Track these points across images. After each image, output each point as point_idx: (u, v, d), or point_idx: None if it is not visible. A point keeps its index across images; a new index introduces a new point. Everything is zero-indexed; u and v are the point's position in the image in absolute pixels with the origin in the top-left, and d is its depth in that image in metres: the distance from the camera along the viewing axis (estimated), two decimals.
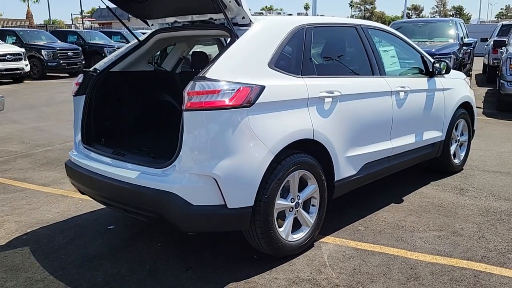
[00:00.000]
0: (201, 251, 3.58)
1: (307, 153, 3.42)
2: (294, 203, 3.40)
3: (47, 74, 18.41)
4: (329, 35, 3.98)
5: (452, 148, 5.34)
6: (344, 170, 3.76)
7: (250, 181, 3.04)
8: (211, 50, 5.97)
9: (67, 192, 5.00)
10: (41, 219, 4.29)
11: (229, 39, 3.32)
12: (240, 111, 2.98)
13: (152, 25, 4.07)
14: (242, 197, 3.04)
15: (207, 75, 2.97)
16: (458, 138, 5.46)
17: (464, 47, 10.84)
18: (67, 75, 19.28)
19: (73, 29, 37.71)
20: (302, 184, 3.48)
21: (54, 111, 10.51)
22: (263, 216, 3.14)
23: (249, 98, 3.00)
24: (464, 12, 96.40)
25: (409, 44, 4.82)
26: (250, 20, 3.37)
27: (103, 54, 20.04)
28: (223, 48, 3.24)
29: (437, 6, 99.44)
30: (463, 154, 5.60)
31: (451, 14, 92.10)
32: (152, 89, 4.42)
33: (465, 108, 5.42)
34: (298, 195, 3.44)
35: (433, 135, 4.88)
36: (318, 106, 3.48)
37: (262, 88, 3.09)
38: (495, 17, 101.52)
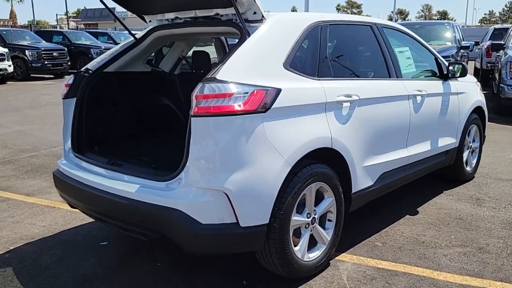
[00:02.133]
0: (207, 270, 3.22)
1: (324, 163, 3.09)
2: (310, 219, 3.07)
3: (31, 75, 17.84)
4: (344, 34, 3.66)
5: (465, 155, 5.06)
6: (361, 181, 3.44)
7: (265, 196, 2.70)
8: (207, 50, 5.63)
9: (54, 203, 4.60)
10: (26, 234, 3.90)
11: (239, 37, 2.97)
12: (254, 117, 2.64)
13: (150, 21, 3.71)
14: (256, 214, 2.69)
15: (218, 77, 2.62)
16: (470, 144, 5.19)
17: (461, 50, 10.63)
18: (52, 76, 18.73)
19: (58, 29, 36.96)
20: (318, 198, 3.15)
21: (39, 113, 10.05)
22: (278, 235, 2.80)
23: (264, 103, 2.67)
24: (449, 17, 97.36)
25: (423, 45, 4.53)
26: (262, 16, 3.03)
27: (89, 55, 19.57)
28: (233, 46, 2.89)
29: (422, 11, 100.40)
30: (474, 161, 5.33)
31: (436, 18, 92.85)
32: (149, 92, 4.05)
33: (477, 113, 5.16)
34: (314, 210, 3.11)
35: (447, 141, 4.60)
36: (336, 111, 3.16)
37: (278, 91, 2.75)
38: (479, 22, 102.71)
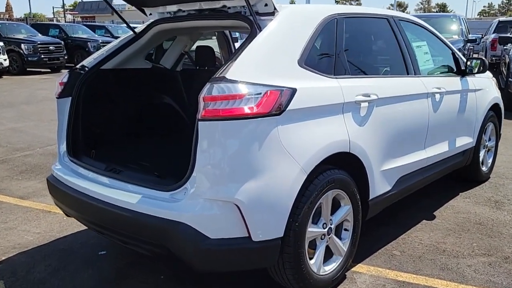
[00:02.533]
0: (212, 283, 2.99)
1: (340, 169, 2.84)
2: (326, 229, 2.83)
3: (27, 69, 17.49)
4: (361, 28, 3.40)
5: (481, 155, 4.82)
6: (379, 186, 3.20)
7: (280, 207, 2.45)
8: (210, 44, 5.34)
9: (49, 207, 4.35)
10: (19, 242, 3.65)
11: (249, 32, 2.71)
12: (267, 121, 2.39)
13: (150, 14, 3.44)
14: (270, 226, 2.45)
15: (227, 76, 2.37)
16: (487, 143, 4.95)
17: (468, 44, 10.37)
18: (48, 70, 18.38)
19: (55, 22, 36.49)
20: (334, 206, 2.91)
21: (35, 109, 9.77)
22: (293, 249, 2.56)
23: (278, 104, 2.41)
24: (448, 9, 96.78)
25: (440, 39, 4.27)
26: (275, 8, 2.76)
27: (86, 49, 19.22)
28: (243, 42, 2.63)
29: (421, 3, 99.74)
30: (490, 161, 5.10)
31: (435, 11, 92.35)
32: (150, 90, 3.79)
33: (493, 110, 4.91)
34: (330, 219, 2.87)
35: (464, 141, 4.36)
36: (354, 112, 2.91)
37: (294, 91, 2.50)
38: (478, 15, 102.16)
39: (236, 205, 2.34)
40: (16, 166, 5.72)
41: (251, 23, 2.69)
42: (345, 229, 3.02)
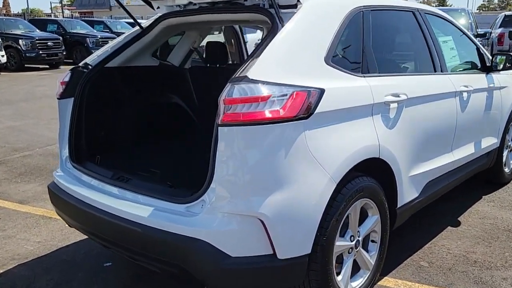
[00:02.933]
0: None
1: (369, 176, 2.60)
2: (354, 242, 2.59)
3: (26, 65, 17.19)
4: (387, 21, 3.14)
5: (504, 156, 4.58)
6: (407, 193, 2.97)
7: (307, 221, 2.22)
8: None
9: (50, 212, 4.11)
10: (18, 252, 3.41)
11: (269, 27, 2.46)
12: (294, 125, 2.14)
13: (158, 8, 3.18)
14: (297, 242, 2.21)
15: (250, 75, 2.12)
16: (510, 143, 4.71)
17: (477, 38, 10.11)
18: (47, 66, 18.07)
19: (53, 17, 36.13)
20: (361, 216, 2.67)
21: (34, 107, 9.50)
22: (320, 265, 2.33)
23: (306, 107, 2.17)
24: (447, 3, 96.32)
25: (465, 33, 4.02)
26: (298, 0, 2.51)
27: (85, 45, 18.93)
28: (264, 38, 2.38)
29: None
30: None
31: (435, 5, 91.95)
32: (157, 89, 3.54)
33: None
34: (358, 231, 2.63)
35: (489, 142, 4.12)
36: (383, 114, 2.67)
37: (322, 92, 2.25)
38: (477, 9, 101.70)
39: (260, 220, 2.10)
40: (15, 168, 5.47)
41: (272, 16, 2.44)
42: (372, 241, 2.79)
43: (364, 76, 2.62)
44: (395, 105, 2.74)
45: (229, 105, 2.08)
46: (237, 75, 2.14)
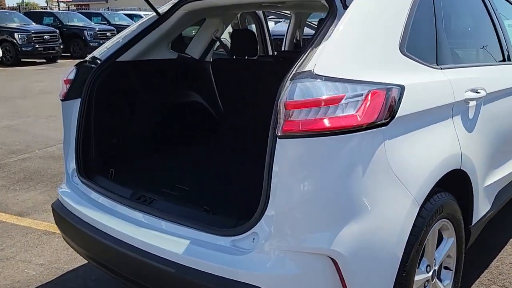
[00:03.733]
0: None
1: (446, 191, 2.12)
2: (430, 273, 2.11)
3: (22, 60, 16.60)
4: (456, 3, 2.64)
5: None
6: (482, 206, 2.49)
7: (390, 255, 1.74)
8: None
9: (53, 227, 3.60)
10: (18, 279, 2.93)
11: (327, 10, 1.96)
12: (373, 135, 1.65)
13: None
14: (376, 284, 1.73)
15: (316, 70, 1.62)
16: None
17: None
18: (44, 61, 17.47)
19: (48, 10, 35.29)
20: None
21: (32, 104, 8.97)
22: None
23: (386, 109, 1.68)
24: None
25: None
26: None
27: (83, 37, 18.38)
28: (322, 24, 1.88)
29: None
30: None
31: None
32: (177, 86, 3.04)
33: None
34: (434, 258, 2.14)
35: None
36: (463, 114, 2.19)
37: (402, 89, 1.76)
38: None
39: (332, 259, 1.62)
40: (13, 173, 4.97)
41: None
42: (446, 267, 2.31)
43: (441, 68, 2.12)
44: (474, 103, 2.26)
45: (290, 110, 1.58)
46: (298, 70, 1.64)
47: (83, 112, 2.45)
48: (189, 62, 3.20)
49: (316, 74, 1.61)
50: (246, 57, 3.08)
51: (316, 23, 3.83)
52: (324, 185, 1.60)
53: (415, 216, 1.80)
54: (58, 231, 3.44)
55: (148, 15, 2.82)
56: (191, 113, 3.10)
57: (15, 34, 15.99)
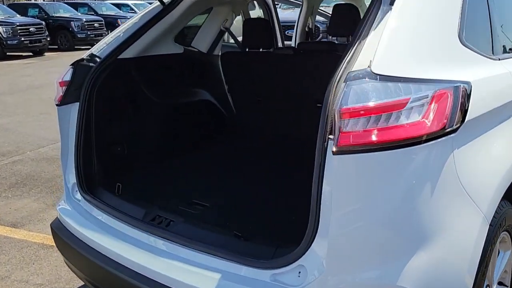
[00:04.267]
0: None
1: (506, 199, 1.85)
2: None
3: (7, 54, 16.08)
4: None
5: None
6: None
7: (461, 285, 1.46)
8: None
9: (50, 239, 3.25)
10: None
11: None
12: (442, 144, 1.37)
13: None
14: None
15: (374, 69, 1.33)
16: None
17: None
18: (30, 54, 16.96)
19: (33, 1, 34.44)
20: None
21: (20, 100, 8.56)
22: None
23: (457, 112, 1.39)
24: None
25: None
26: None
27: (70, 29, 17.88)
28: (369, 11, 1.57)
29: None
30: None
31: None
32: (185, 84, 2.73)
33: None
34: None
35: None
36: None
37: (469, 87, 1.47)
38: None
39: None
40: (4, 178, 4.64)
41: None
42: (500, 283, 2.05)
43: (499, 59, 1.84)
44: None
45: (346, 120, 1.29)
46: (351, 69, 1.35)
47: (82, 117, 2.15)
48: (197, 56, 2.88)
49: (374, 73, 1.32)
50: (260, 49, 2.77)
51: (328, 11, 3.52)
52: (391, 208, 1.32)
53: (485, 236, 1.53)
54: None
55: (136, 4, 2.50)
56: (201, 113, 2.80)
57: (0, 27, 15.49)
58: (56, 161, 5.05)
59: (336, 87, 1.33)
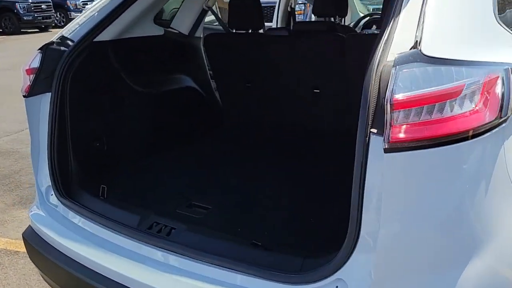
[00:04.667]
0: None
1: None
2: None
3: None
4: None
5: None
6: None
7: None
8: None
9: (14, 244, 3.02)
10: None
11: None
12: (496, 135, 1.21)
13: None
14: None
15: (425, 50, 1.14)
16: None
17: None
18: None
19: None
20: None
21: None
22: None
23: (509, 99, 1.24)
24: None
25: None
26: None
27: (15, 11, 16.83)
28: None
29: None
30: None
31: None
32: (166, 69, 2.47)
33: None
34: None
35: None
36: None
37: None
38: None
39: None
40: None
41: None
42: None
43: None
44: None
45: (397, 111, 1.09)
46: (398, 51, 1.15)
47: (55, 109, 1.87)
48: (178, 38, 2.61)
49: (425, 56, 1.13)
50: (250, 31, 2.53)
51: None
52: (447, 211, 1.15)
53: None
54: (21, 249, 2.85)
55: None
56: (187, 102, 2.54)
57: None
58: (12, 155, 4.65)
59: (380, 71, 1.13)
